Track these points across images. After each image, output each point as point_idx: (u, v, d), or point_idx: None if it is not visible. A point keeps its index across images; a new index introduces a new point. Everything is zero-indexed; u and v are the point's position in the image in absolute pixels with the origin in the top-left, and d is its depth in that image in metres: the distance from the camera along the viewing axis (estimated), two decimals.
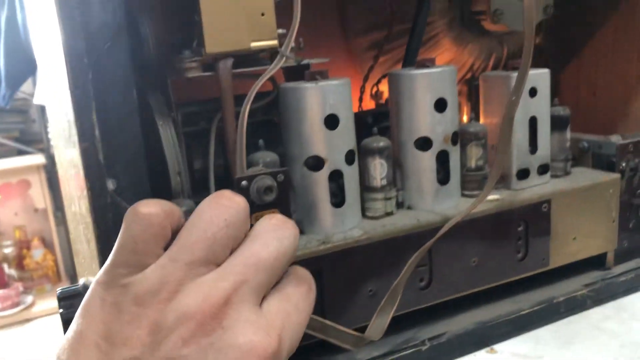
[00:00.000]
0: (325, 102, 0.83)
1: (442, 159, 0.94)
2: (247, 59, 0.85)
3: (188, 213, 0.78)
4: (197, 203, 0.91)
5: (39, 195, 3.57)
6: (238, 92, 0.84)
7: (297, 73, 0.92)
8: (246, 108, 0.79)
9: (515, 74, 0.98)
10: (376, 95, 1.27)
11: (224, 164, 0.94)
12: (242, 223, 0.55)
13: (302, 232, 0.87)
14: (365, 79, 1.23)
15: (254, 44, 0.82)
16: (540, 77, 1.00)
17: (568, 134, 1.08)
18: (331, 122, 0.83)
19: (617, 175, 1.06)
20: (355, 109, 1.25)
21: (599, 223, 1.06)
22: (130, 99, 0.64)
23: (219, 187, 0.93)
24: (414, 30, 1.08)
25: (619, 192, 1.07)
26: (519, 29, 1.21)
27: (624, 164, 1.07)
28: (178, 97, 0.90)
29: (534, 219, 0.98)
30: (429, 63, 0.93)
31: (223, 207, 0.54)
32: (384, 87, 1.28)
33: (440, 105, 0.91)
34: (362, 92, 1.23)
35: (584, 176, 1.07)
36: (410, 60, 1.08)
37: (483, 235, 0.94)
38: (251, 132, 0.93)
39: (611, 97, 1.49)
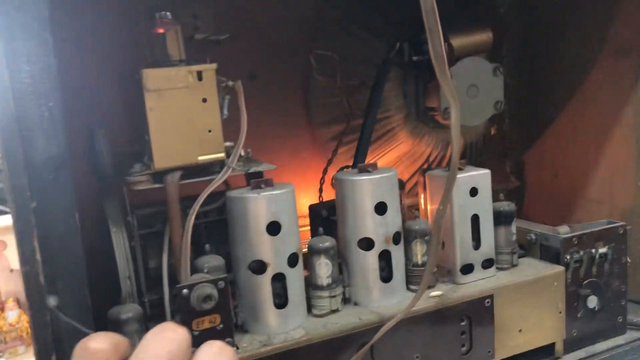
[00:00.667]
0: (267, 211, 0.89)
1: (386, 257, 1.00)
2: (198, 169, 0.92)
3: (134, 319, 0.83)
4: (150, 301, 0.96)
5: (15, 256, 3.59)
6: (196, 193, 0.90)
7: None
8: (191, 220, 0.85)
9: (459, 175, 1.04)
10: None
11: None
12: (184, 353, 0.59)
13: (247, 331, 0.92)
14: (325, 171, 1.29)
15: (202, 158, 0.89)
16: (480, 177, 1.06)
17: (514, 228, 1.13)
18: (273, 228, 0.89)
19: (561, 268, 1.11)
20: (316, 199, 1.32)
21: (546, 315, 1.09)
22: (72, 223, 0.70)
23: (173, 284, 0.98)
24: (363, 132, 1.15)
25: (564, 284, 1.11)
26: (470, 125, 1.28)
27: (568, 257, 1.12)
28: (140, 198, 0.97)
29: (477, 314, 1.02)
30: (370, 168, 0.99)
31: (167, 340, 0.57)
32: None
33: (381, 208, 0.97)
34: (322, 183, 1.30)
35: (530, 269, 1.11)
36: (360, 159, 1.14)
37: (426, 330, 0.98)
38: (205, 231, 1.00)
39: (571, 180, 1.55)
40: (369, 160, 1.34)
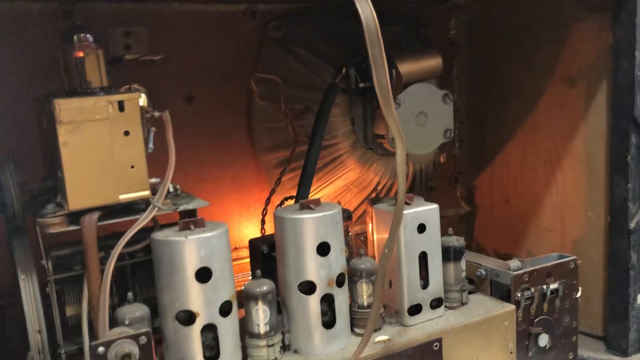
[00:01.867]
0: (197, 256, 0.80)
1: (329, 300, 0.93)
2: (121, 208, 0.83)
3: None
4: (68, 353, 0.86)
5: None
6: (122, 229, 0.82)
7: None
8: (109, 270, 0.76)
9: (406, 211, 0.98)
10: None
11: None
12: None
13: None
14: (267, 201, 1.22)
15: (123, 197, 0.80)
16: (429, 213, 1.01)
17: (463, 264, 1.08)
18: (204, 275, 0.81)
19: (512, 307, 1.06)
20: (259, 230, 1.24)
21: (496, 356, 1.05)
22: None
23: (92, 332, 0.89)
24: (307, 162, 1.08)
25: (515, 324, 1.06)
26: (418, 153, 1.23)
27: (519, 294, 1.07)
28: (56, 238, 0.87)
29: (425, 358, 0.96)
30: (312, 205, 0.92)
31: None
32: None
33: (323, 249, 0.90)
34: (264, 214, 1.22)
35: (480, 307, 1.06)
36: (304, 192, 1.07)
37: None
38: (132, 272, 0.90)
39: (522, 207, 1.52)
40: (315, 189, 1.28)
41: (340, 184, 1.28)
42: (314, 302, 0.91)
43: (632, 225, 1.19)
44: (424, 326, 1.00)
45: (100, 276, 0.79)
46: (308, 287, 0.91)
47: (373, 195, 1.28)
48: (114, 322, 0.79)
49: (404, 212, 0.98)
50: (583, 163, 1.31)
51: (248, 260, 1.16)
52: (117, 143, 0.79)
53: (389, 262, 1.00)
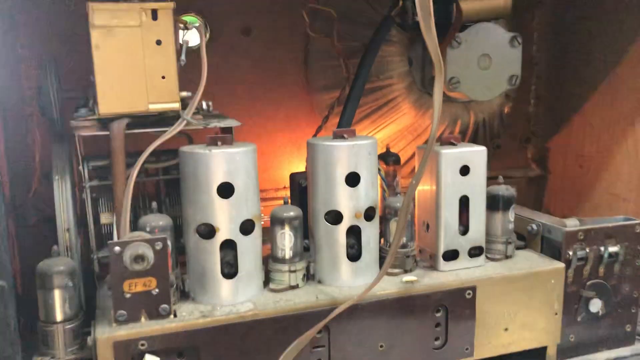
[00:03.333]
0: (220, 170, 0.80)
1: (358, 233, 0.90)
2: (151, 119, 0.84)
3: (65, 273, 0.77)
4: (101, 259, 0.90)
5: None
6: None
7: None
8: (134, 174, 0.78)
9: (448, 150, 0.93)
10: None
11: (132, 220, 0.93)
12: None
13: (193, 299, 0.84)
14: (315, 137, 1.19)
15: (153, 107, 0.81)
16: (475, 155, 0.94)
17: (511, 215, 1.01)
18: (225, 190, 0.81)
19: (561, 265, 0.98)
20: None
21: (538, 315, 0.98)
22: None
23: None
24: (351, 92, 1.04)
25: (563, 283, 0.99)
26: (478, 99, 1.16)
27: (570, 253, 0.99)
28: (95, 148, 0.90)
29: (456, 306, 0.92)
30: (346, 134, 0.89)
31: None
32: None
33: (353, 179, 0.87)
34: None
35: (525, 262, 0.99)
36: (346, 121, 1.03)
37: (394, 318, 0.88)
38: (165, 188, 0.92)
39: (597, 173, 1.40)
40: (367, 133, 1.24)
41: (394, 129, 1.24)
42: (340, 233, 0.88)
43: None
44: (459, 273, 0.95)
45: (127, 181, 0.80)
46: (335, 217, 0.89)
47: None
48: (136, 229, 0.81)
49: (446, 151, 0.93)
50: None
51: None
52: (149, 51, 0.79)
53: (428, 204, 0.96)
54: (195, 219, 0.82)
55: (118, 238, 0.79)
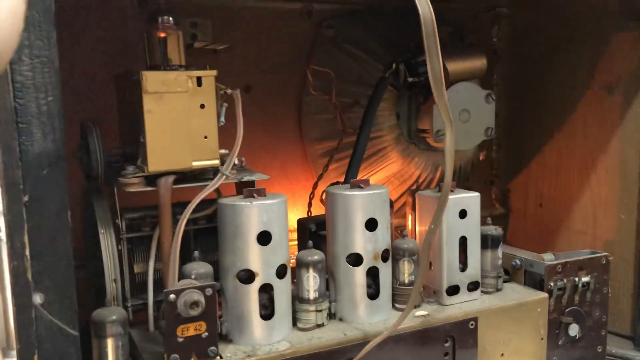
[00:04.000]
0: (259, 220, 0.88)
1: (374, 274, 0.99)
2: (191, 175, 0.92)
3: (119, 322, 0.82)
4: (134, 307, 0.95)
5: None
6: (187, 199, 0.90)
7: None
8: (182, 225, 0.84)
9: (449, 196, 1.05)
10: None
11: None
12: None
13: (230, 341, 0.91)
14: (315, 186, 1.30)
15: (196, 164, 0.89)
16: (470, 200, 1.07)
17: (500, 252, 1.14)
18: (264, 238, 0.89)
19: (544, 295, 1.12)
20: (304, 215, 1.31)
21: (528, 340, 1.10)
22: (63, 219, 0.69)
23: (157, 290, 0.97)
24: (356, 148, 1.15)
25: (546, 311, 1.12)
26: (460, 149, 1.30)
27: (552, 284, 1.13)
28: (130, 202, 0.96)
29: (461, 335, 1.02)
30: (362, 184, 0.99)
31: None
32: None
33: (371, 224, 0.97)
34: (311, 197, 1.30)
35: (514, 294, 1.12)
36: (352, 174, 1.14)
37: (410, 349, 0.98)
38: (194, 238, 0.99)
39: (555, 210, 1.57)
40: (359, 177, 1.35)
41: (382, 175, 1.35)
42: (360, 274, 0.98)
43: None
44: (461, 306, 1.06)
45: (172, 233, 0.87)
46: (355, 260, 0.98)
47: (414, 187, 1.35)
48: (180, 277, 0.87)
49: (448, 197, 1.05)
50: (617, 167, 1.36)
51: (295, 243, 1.24)
52: (194, 114, 0.87)
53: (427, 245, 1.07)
54: (235, 265, 0.89)
55: (167, 287, 0.85)
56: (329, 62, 1.33)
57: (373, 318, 0.99)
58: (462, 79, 1.24)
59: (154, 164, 0.85)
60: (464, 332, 1.03)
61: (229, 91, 0.90)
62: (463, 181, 1.52)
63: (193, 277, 0.87)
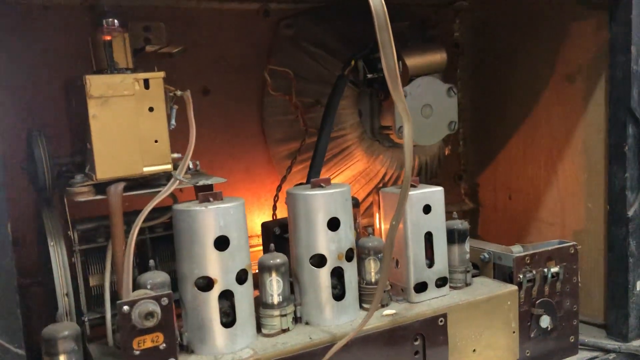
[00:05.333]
0: (215, 225, 0.85)
1: (339, 274, 0.97)
2: (143, 181, 0.89)
3: (71, 338, 0.78)
4: (91, 321, 0.91)
5: None
6: (141, 207, 0.87)
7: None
8: (134, 234, 0.81)
9: (412, 192, 1.03)
10: None
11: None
12: None
13: (192, 352, 0.88)
14: (278, 189, 1.27)
15: (147, 169, 0.86)
16: (434, 195, 1.05)
17: (467, 247, 1.13)
18: (222, 243, 0.86)
19: (514, 287, 1.10)
20: (271, 218, 1.29)
21: (499, 334, 1.09)
22: (3, 233, 0.66)
23: (115, 302, 0.94)
24: (317, 147, 1.13)
25: (517, 304, 1.11)
26: (423, 144, 1.28)
27: (521, 276, 1.12)
28: (82, 212, 0.92)
29: (431, 333, 1.01)
30: (323, 183, 0.97)
31: None
32: None
33: (334, 224, 0.95)
34: (275, 200, 1.27)
35: (483, 288, 1.10)
36: (314, 174, 1.12)
37: (380, 350, 0.96)
38: (151, 246, 0.95)
39: (524, 202, 1.56)
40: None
41: (348, 175, 1.33)
42: (324, 275, 0.95)
43: (630, 213, 1.23)
44: (430, 303, 1.04)
45: (125, 243, 0.84)
46: (319, 261, 0.96)
47: (380, 185, 1.33)
48: (136, 288, 0.84)
49: (410, 193, 1.03)
50: (582, 156, 1.36)
51: (260, 248, 1.21)
52: (142, 118, 0.84)
53: (396, 242, 1.05)
54: (193, 272, 0.86)
55: (122, 298, 0.81)
56: (289, 61, 1.31)
57: (340, 319, 0.97)
58: (423, 73, 1.23)
59: (102, 171, 0.82)
60: (433, 329, 1.01)
61: (178, 93, 0.87)
62: (430, 177, 1.51)
63: (149, 287, 0.84)
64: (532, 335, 1.14)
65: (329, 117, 1.13)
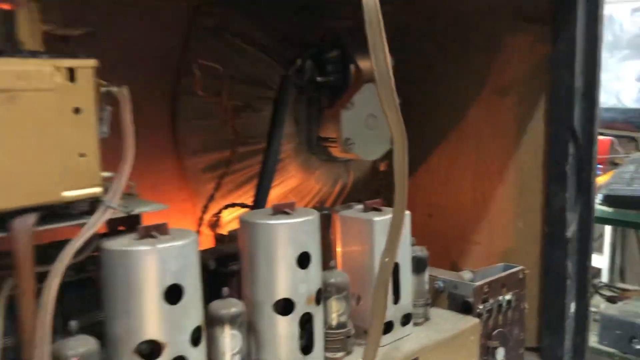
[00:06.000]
0: (165, 270, 0.63)
1: (305, 322, 0.79)
2: (61, 207, 0.63)
3: None
4: None
5: None
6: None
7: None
8: (52, 286, 0.57)
9: (377, 217, 0.89)
10: (215, 225, 1.10)
11: (13, 346, 0.68)
12: None
13: None
14: (205, 209, 1.05)
15: (68, 194, 0.61)
16: (408, 219, 0.92)
17: (427, 276, 1.01)
18: (173, 294, 0.64)
19: (476, 320, 1.00)
20: None
21: None
22: None
23: None
24: (266, 162, 0.94)
25: (479, 338, 1.01)
26: (369, 158, 1.15)
27: (481, 307, 1.02)
28: None
29: None
30: (288, 209, 0.79)
31: None
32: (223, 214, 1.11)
33: (304, 260, 0.77)
34: (200, 224, 1.05)
35: (445, 322, 0.99)
36: (262, 199, 0.93)
37: None
38: (59, 296, 0.70)
39: (446, 220, 1.49)
40: (251, 196, 1.13)
41: (279, 192, 1.15)
42: (291, 324, 0.77)
43: (569, 234, 1.20)
44: (397, 346, 0.90)
45: (35, 300, 0.58)
46: (284, 306, 0.77)
47: (317, 205, 1.17)
48: None
49: (378, 218, 0.89)
50: (514, 174, 1.31)
51: None
52: (65, 123, 0.59)
53: (358, 275, 0.90)
54: (132, 335, 0.63)
55: None
56: (209, 56, 1.09)
57: None
58: (369, 80, 1.08)
59: (5, 198, 0.56)
60: None
61: (114, 89, 0.64)
62: (353, 194, 1.38)
63: None
64: None
65: (278, 125, 0.95)
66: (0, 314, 0.64)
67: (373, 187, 1.54)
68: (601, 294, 1.89)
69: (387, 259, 0.72)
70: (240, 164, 1.08)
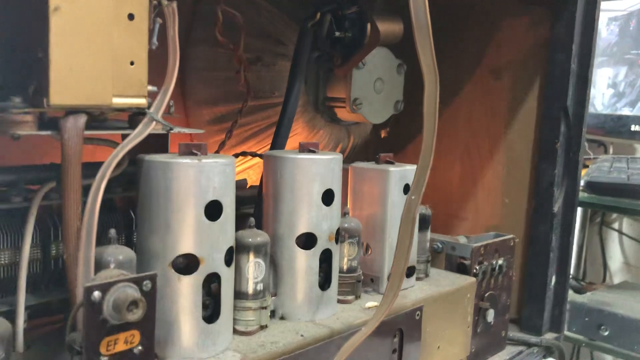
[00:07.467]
0: (209, 186, 0.64)
1: (324, 259, 0.80)
2: (96, 119, 0.63)
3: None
4: None
5: None
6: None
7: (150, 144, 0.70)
8: (99, 190, 0.57)
9: (391, 168, 0.91)
10: None
11: (42, 258, 0.67)
12: None
13: (156, 356, 0.64)
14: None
15: (117, 101, 0.61)
16: (412, 174, 0.94)
17: (428, 235, 1.03)
18: (214, 211, 0.64)
19: (473, 280, 1.04)
20: None
21: (458, 329, 1.01)
22: None
23: (34, 289, 0.66)
24: (286, 107, 0.95)
25: (474, 297, 1.04)
26: (374, 122, 1.17)
27: (477, 268, 1.06)
28: None
29: (409, 328, 0.89)
30: (313, 147, 0.80)
31: None
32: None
33: (328, 197, 0.78)
34: None
35: (444, 280, 1.02)
36: (281, 142, 0.94)
37: (358, 349, 0.81)
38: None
39: (434, 196, 1.53)
40: (255, 151, 1.14)
41: None
42: (313, 259, 0.78)
43: (555, 209, 1.25)
44: (405, 294, 0.92)
45: (80, 203, 0.58)
46: (306, 241, 0.78)
47: None
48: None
49: (393, 169, 0.91)
50: (503, 152, 1.36)
51: None
52: (119, 28, 0.59)
53: (369, 225, 0.92)
54: (169, 249, 0.63)
55: (72, 281, 0.56)
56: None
57: (324, 313, 0.80)
58: (383, 43, 1.11)
59: (60, 95, 0.56)
60: (411, 324, 0.89)
61: (164, 2, 0.64)
62: (352, 158, 1.39)
63: (112, 266, 0.59)
64: (478, 331, 1.09)
65: (299, 75, 0.95)
66: (32, 221, 0.64)
67: (372, 154, 1.56)
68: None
69: (413, 197, 0.74)
70: (246, 119, 1.08)
